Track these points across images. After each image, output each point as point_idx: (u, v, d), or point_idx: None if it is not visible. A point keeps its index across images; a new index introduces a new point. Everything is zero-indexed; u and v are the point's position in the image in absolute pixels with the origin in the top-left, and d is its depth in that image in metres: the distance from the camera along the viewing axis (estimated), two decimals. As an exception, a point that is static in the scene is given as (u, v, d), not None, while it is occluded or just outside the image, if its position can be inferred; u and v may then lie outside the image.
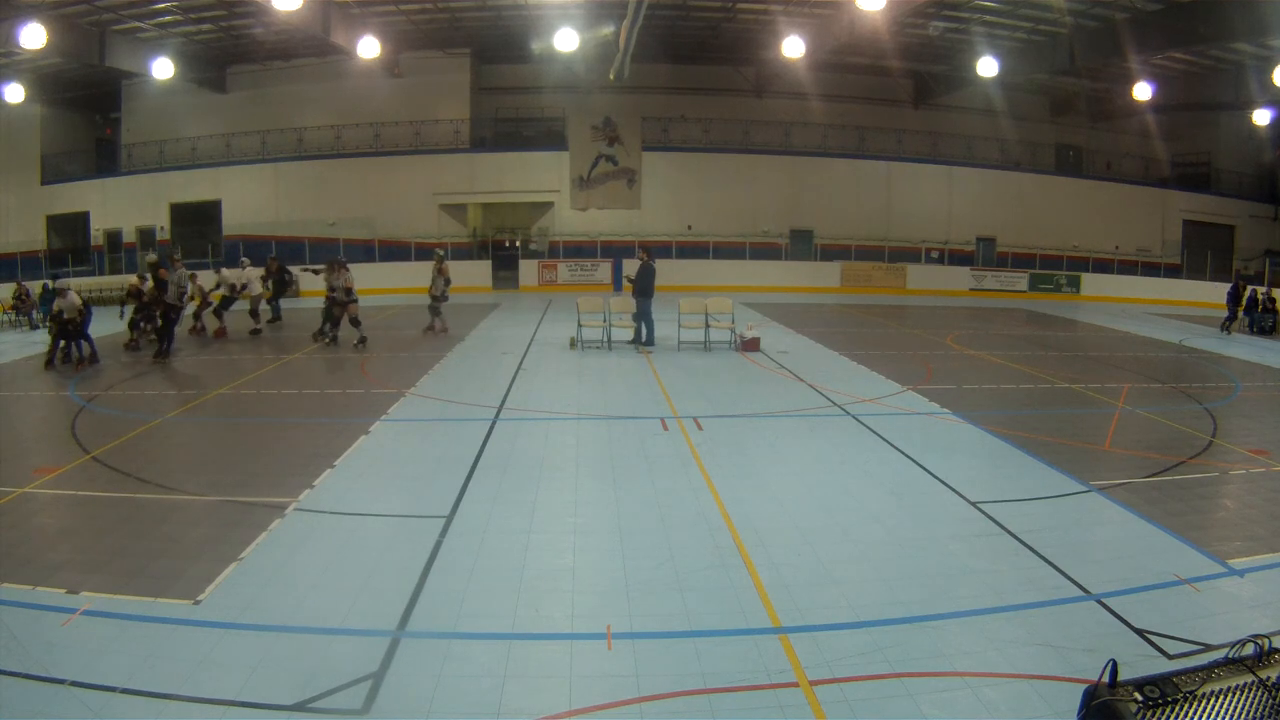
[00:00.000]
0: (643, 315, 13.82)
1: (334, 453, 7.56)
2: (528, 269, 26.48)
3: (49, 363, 12.08)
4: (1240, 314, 18.99)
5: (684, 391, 10.45)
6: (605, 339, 13.91)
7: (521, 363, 12.55)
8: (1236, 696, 2.04)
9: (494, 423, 8.75)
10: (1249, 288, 19.64)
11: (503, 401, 9.82)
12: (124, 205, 26.91)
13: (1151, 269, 27.51)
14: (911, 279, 27.45)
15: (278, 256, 18.13)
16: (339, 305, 13.78)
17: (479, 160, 27.03)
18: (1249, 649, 2.13)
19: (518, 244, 27.40)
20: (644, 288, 13.78)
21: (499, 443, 8.00)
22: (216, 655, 4.01)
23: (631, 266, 13.92)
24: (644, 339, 13.91)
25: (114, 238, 27.20)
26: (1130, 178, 29.37)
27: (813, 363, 12.78)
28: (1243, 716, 2.03)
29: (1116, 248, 28.14)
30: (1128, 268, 27.64)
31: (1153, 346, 15.88)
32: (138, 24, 21.65)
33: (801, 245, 27.94)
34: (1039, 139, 29.31)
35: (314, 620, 4.41)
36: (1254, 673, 2.07)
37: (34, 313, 18.15)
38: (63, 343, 12.14)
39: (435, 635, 4.27)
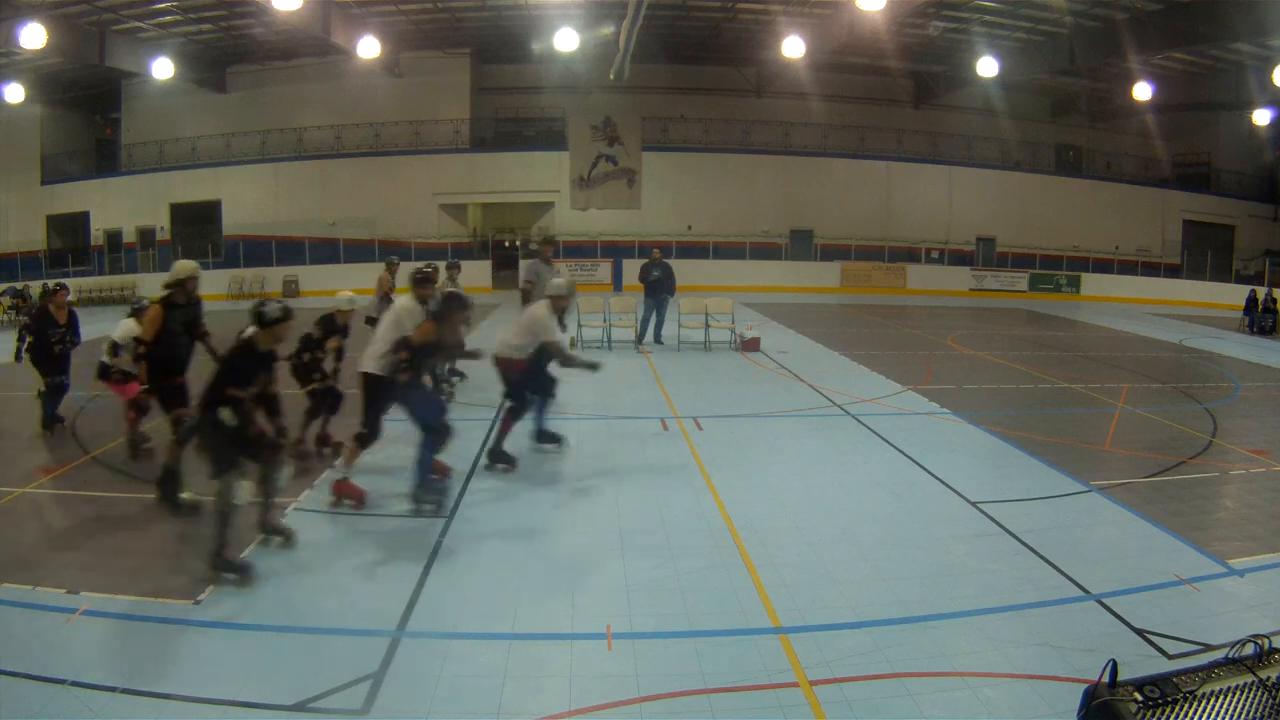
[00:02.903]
0: (661, 312, 14.15)
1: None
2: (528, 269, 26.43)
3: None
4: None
5: (684, 391, 10.45)
6: (605, 339, 13.91)
7: (521, 363, 12.52)
8: (1236, 696, 2.04)
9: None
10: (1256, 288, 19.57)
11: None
12: (124, 205, 26.92)
13: (1151, 269, 27.52)
14: (911, 279, 27.45)
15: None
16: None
17: (479, 160, 27.02)
18: (1249, 649, 2.13)
19: (518, 244, 27.41)
20: (670, 286, 14.16)
21: (499, 443, 7.97)
22: (216, 655, 4.01)
23: (649, 267, 14.09)
24: (656, 336, 14.12)
25: (114, 238, 27.21)
26: (1130, 178, 29.37)
27: (813, 363, 12.78)
28: (1243, 716, 2.04)
29: (1116, 248, 28.14)
30: (1128, 268, 27.64)
31: (1153, 346, 15.87)
32: (138, 24, 21.66)
33: (801, 245, 27.93)
34: (1039, 139, 29.31)
35: (314, 620, 4.41)
36: (1254, 673, 2.08)
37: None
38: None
39: (435, 635, 4.27)
